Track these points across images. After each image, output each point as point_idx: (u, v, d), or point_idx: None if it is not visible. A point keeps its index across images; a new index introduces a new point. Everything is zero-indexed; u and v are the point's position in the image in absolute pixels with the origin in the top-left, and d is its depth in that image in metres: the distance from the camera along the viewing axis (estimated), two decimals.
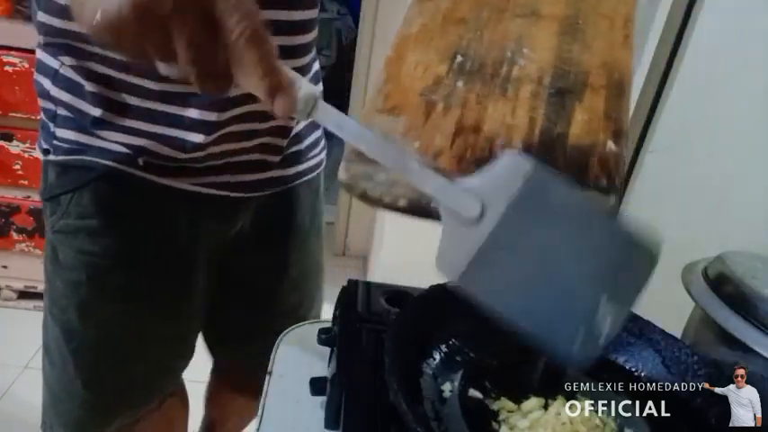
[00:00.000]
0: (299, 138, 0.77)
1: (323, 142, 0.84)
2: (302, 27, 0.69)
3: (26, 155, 1.62)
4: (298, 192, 0.80)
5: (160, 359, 0.80)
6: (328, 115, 0.39)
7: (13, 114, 1.58)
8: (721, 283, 0.59)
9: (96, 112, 0.64)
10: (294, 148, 0.76)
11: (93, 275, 0.69)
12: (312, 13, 0.69)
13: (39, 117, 0.71)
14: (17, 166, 1.64)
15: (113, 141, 0.65)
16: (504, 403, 0.52)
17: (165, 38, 0.35)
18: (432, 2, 0.60)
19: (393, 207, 0.44)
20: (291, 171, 0.77)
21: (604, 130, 0.47)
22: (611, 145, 0.46)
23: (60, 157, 0.67)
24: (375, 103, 0.51)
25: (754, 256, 0.63)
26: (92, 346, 0.74)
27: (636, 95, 1.37)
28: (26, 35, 1.50)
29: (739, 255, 0.62)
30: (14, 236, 1.72)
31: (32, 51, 1.63)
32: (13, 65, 1.52)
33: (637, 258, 0.38)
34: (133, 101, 0.64)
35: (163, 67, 0.39)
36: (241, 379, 0.96)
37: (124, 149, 0.65)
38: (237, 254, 0.79)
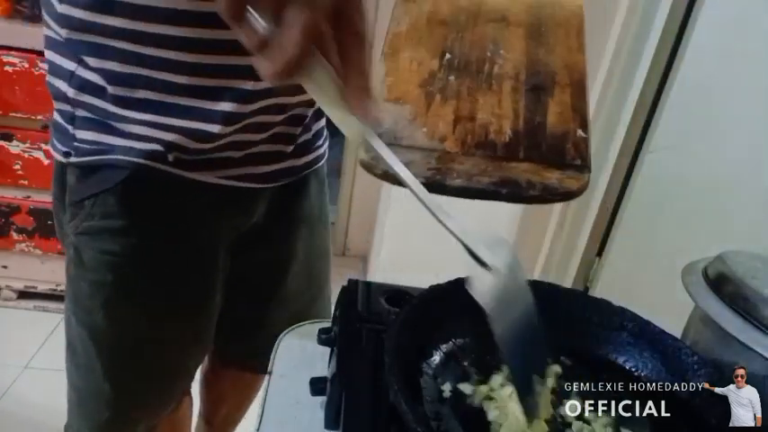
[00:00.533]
0: (308, 127, 0.78)
1: (325, 132, 0.85)
2: None
3: (26, 155, 1.62)
4: (306, 181, 0.82)
5: (184, 354, 0.81)
6: (378, 144, 0.43)
7: (14, 114, 1.58)
8: (721, 283, 0.58)
9: (120, 111, 0.63)
10: (304, 137, 0.78)
11: (118, 275, 0.70)
12: None
13: (51, 119, 0.70)
14: (17, 166, 1.64)
15: (140, 139, 0.64)
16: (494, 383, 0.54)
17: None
18: (414, 3, 0.67)
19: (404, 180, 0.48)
20: (302, 161, 0.79)
21: (574, 120, 0.56)
22: (580, 132, 0.55)
23: (84, 159, 0.66)
24: (380, 93, 0.58)
25: (754, 256, 0.63)
26: (118, 346, 0.74)
27: (636, 95, 1.37)
28: (26, 35, 1.50)
29: (739, 255, 0.62)
30: (14, 236, 1.72)
31: (32, 51, 1.62)
32: (13, 65, 1.52)
33: None
34: (160, 97, 0.63)
35: (245, 25, 0.38)
36: (241, 363, 0.97)
37: (153, 146, 0.65)
38: (249, 244, 0.80)
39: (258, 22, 0.37)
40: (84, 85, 0.63)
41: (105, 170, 0.66)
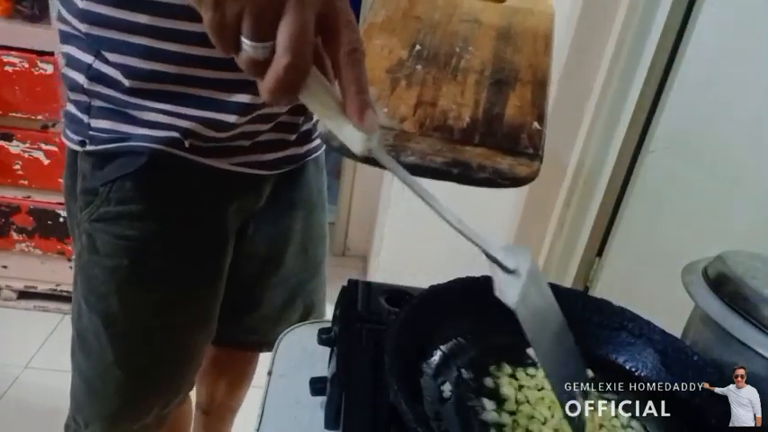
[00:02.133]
0: (309, 116, 0.81)
1: None
2: None
3: (26, 155, 1.62)
4: (307, 169, 0.85)
5: (194, 338, 0.82)
6: (385, 158, 0.43)
7: (14, 114, 1.58)
8: (721, 283, 0.58)
9: (137, 101, 0.65)
10: (305, 126, 0.80)
11: (132, 259, 0.71)
12: None
13: (65, 109, 0.71)
14: (17, 166, 1.64)
15: (157, 127, 0.66)
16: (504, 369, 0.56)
17: (274, 17, 0.36)
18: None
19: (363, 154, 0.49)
20: (304, 149, 0.81)
21: (531, 114, 0.59)
22: (536, 125, 0.58)
23: (100, 147, 0.67)
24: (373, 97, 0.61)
25: (754, 256, 0.63)
26: (130, 331, 0.75)
27: (636, 95, 1.37)
28: (26, 35, 1.50)
29: (739, 255, 0.62)
30: (14, 236, 1.72)
31: (32, 51, 1.63)
32: (13, 65, 1.52)
33: None
34: (178, 89, 0.65)
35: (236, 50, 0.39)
36: (235, 342, 0.98)
37: (170, 133, 0.66)
38: (250, 227, 0.82)
39: (251, 48, 0.37)
40: (100, 78, 0.65)
41: (123, 157, 0.67)
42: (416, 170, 0.49)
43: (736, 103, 1.30)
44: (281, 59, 0.37)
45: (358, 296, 0.63)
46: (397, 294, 0.64)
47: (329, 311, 0.66)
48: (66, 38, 0.67)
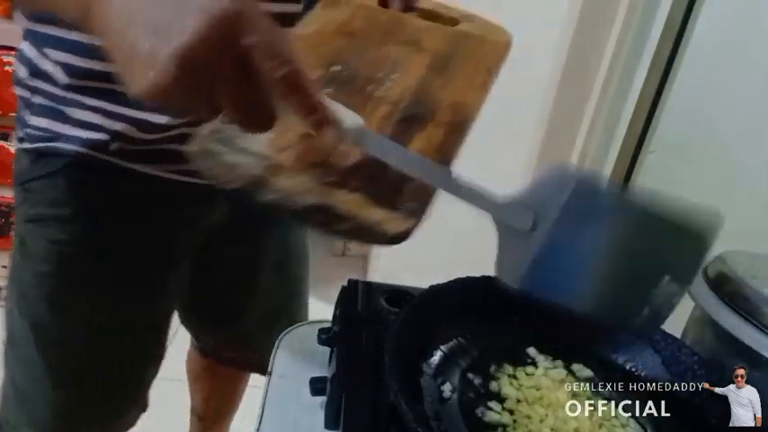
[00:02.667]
0: None
1: None
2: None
3: None
4: None
5: (130, 356, 0.78)
6: (375, 142, 0.41)
7: (13, 114, 1.58)
8: (721, 283, 0.58)
9: (73, 96, 0.63)
10: None
11: (64, 265, 0.68)
12: (295, 7, 0.67)
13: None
14: None
15: (87, 127, 0.64)
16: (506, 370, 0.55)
17: (209, 92, 0.35)
18: (334, 10, 0.64)
19: (226, 187, 0.45)
20: None
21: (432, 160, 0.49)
22: None
23: (33, 145, 0.66)
24: None
25: (754, 256, 0.63)
26: (61, 341, 0.72)
27: (636, 95, 1.37)
28: None
29: (739, 255, 0.62)
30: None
31: None
32: (13, 65, 1.52)
33: (690, 241, 0.42)
34: (113, 86, 0.61)
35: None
36: (220, 358, 0.97)
37: (97, 135, 0.64)
38: (218, 239, 0.79)
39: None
40: (40, 73, 0.64)
41: (50, 157, 0.66)
42: (274, 209, 0.45)
43: (736, 103, 1.30)
44: (234, 122, 0.37)
45: (358, 296, 0.63)
46: (397, 294, 0.64)
47: (329, 311, 0.66)
48: (23, 34, 0.66)
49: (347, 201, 0.45)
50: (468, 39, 0.66)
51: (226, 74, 0.34)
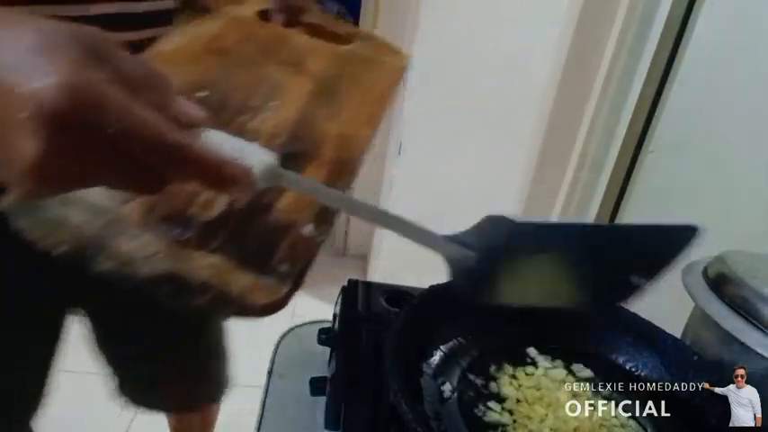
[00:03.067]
0: None
1: None
2: (149, 21, 0.58)
3: None
4: None
5: (8, 397, 0.72)
6: (293, 180, 0.36)
7: None
8: (721, 283, 0.58)
9: None
10: None
11: None
12: (164, 4, 0.59)
13: None
14: None
15: None
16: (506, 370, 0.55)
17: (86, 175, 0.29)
18: (204, 22, 0.55)
19: (51, 250, 0.36)
20: None
21: (308, 211, 0.42)
22: (310, 228, 0.41)
23: None
24: None
25: (754, 256, 0.63)
26: None
27: (636, 95, 1.37)
28: None
29: (739, 255, 0.62)
30: None
31: None
32: None
33: (660, 245, 0.45)
34: None
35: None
36: (157, 406, 0.94)
37: None
38: (88, 304, 0.75)
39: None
40: None
41: None
42: (110, 279, 0.35)
43: (737, 103, 1.30)
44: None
45: (358, 296, 0.63)
46: (397, 294, 0.64)
47: (329, 311, 0.66)
48: None
49: (206, 265, 0.36)
50: (358, 61, 0.57)
51: (95, 158, 0.28)
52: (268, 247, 0.39)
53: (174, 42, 0.52)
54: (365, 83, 0.56)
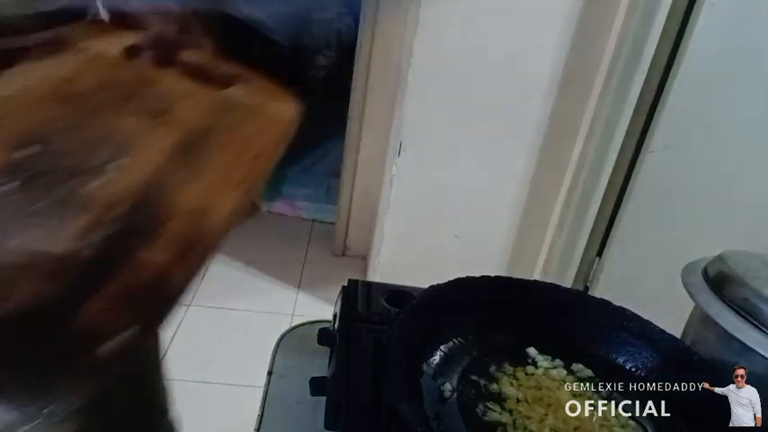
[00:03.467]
0: None
1: None
2: None
3: None
4: None
5: None
6: None
7: None
8: (721, 283, 0.58)
9: None
10: None
11: None
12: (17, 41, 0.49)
13: None
14: None
15: None
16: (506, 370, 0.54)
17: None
18: (56, 64, 0.47)
19: None
20: None
21: (127, 311, 0.33)
22: (133, 332, 0.32)
23: None
24: None
25: (754, 256, 0.63)
26: None
27: (636, 95, 1.37)
28: None
29: (739, 255, 0.62)
30: None
31: None
32: None
33: None
34: None
35: None
36: None
37: None
38: None
39: None
40: None
41: None
42: None
43: (737, 103, 1.30)
44: None
45: (358, 296, 0.63)
46: (397, 294, 0.64)
47: (329, 311, 0.66)
48: None
49: None
50: (237, 109, 0.48)
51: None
52: (66, 362, 0.30)
53: (15, 85, 0.44)
54: (240, 137, 0.46)
